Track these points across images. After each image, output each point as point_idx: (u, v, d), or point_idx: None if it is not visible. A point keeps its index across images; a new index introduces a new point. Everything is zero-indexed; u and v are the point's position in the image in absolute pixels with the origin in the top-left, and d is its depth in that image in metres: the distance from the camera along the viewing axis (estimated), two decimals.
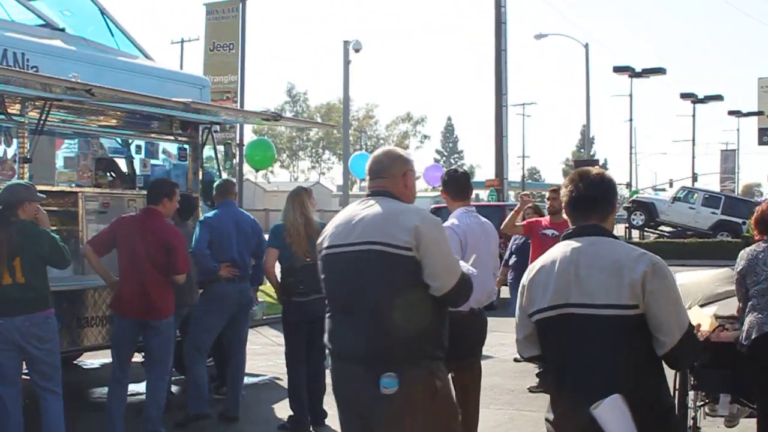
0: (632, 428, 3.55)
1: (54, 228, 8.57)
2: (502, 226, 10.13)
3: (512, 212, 10.26)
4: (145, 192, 9.66)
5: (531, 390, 9.88)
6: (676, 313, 3.73)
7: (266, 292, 17.50)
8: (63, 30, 9.97)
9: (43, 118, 8.15)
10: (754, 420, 6.58)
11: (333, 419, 8.40)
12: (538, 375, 9.95)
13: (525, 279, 3.98)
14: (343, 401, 4.35)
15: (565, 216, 4.10)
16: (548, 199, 10.36)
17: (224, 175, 10.93)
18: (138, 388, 8.91)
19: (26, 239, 6.70)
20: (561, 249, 3.90)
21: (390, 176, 4.47)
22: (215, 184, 9.10)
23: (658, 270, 3.72)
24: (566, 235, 3.95)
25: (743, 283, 6.51)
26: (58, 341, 6.92)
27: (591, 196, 3.93)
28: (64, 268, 7.07)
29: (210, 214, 8.74)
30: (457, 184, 6.64)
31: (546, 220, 10.29)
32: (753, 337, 6.26)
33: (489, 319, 6.94)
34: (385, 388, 4.06)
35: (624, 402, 3.56)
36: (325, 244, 4.45)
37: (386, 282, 4.17)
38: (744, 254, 6.55)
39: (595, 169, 4.04)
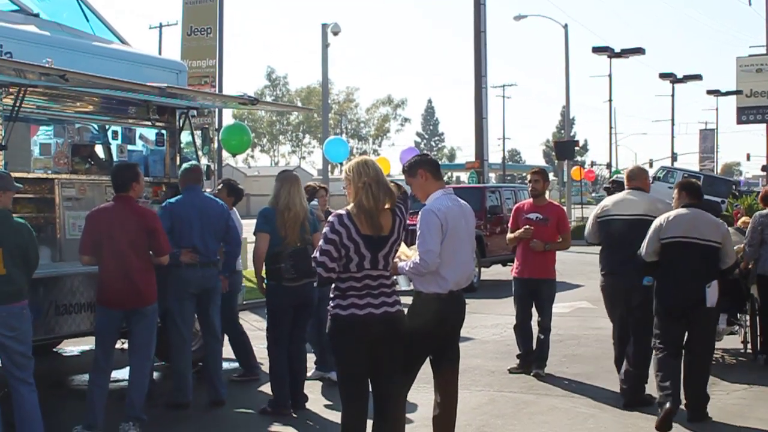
0: (716, 297, 7.80)
1: (31, 215, 8.54)
2: (508, 243, 10.34)
3: (512, 236, 10.03)
4: None
5: (511, 371, 9.91)
6: (733, 250, 8.19)
7: (247, 278, 17.50)
8: (37, 15, 9.85)
9: (17, 104, 8.06)
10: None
11: (313, 403, 8.47)
12: (518, 357, 9.99)
13: (662, 221, 7.93)
14: (615, 295, 8.57)
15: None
16: (530, 182, 10.18)
17: (203, 161, 10.87)
18: (118, 375, 8.89)
19: (6, 229, 6.66)
20: (686, 210, 7.96)
21: (640, 179, 8.89)
22: (181, 169, 9.05)
23: (728, 228, 8.27)
24: (685, 206, 8.00)
25: (760, 234, 10.11)
26: (30, 331, 6.89)
27: (696, 193, 8.15)
28: (35, 267, 7.02)
29: (173, 199, 8.70)
30: (436, 163, 6.63)
31: (528, 203, 10.18)
32: None
33: (469, 300, 6.96)
34: (647, 281, 8.25)
35: (717, 285, 7.79)
36: (608, 212, 8.63)
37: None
38: (761, 214, 10.26)
39: (693, 180, 8.87)
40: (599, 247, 8.83)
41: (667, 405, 7.50)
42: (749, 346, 10.87)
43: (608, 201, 8.79)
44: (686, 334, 7.97)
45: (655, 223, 7.98)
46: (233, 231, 8.81)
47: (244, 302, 14.34)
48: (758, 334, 10.61)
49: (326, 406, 8.48)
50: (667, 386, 7.65)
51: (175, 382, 8.55)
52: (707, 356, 8.14)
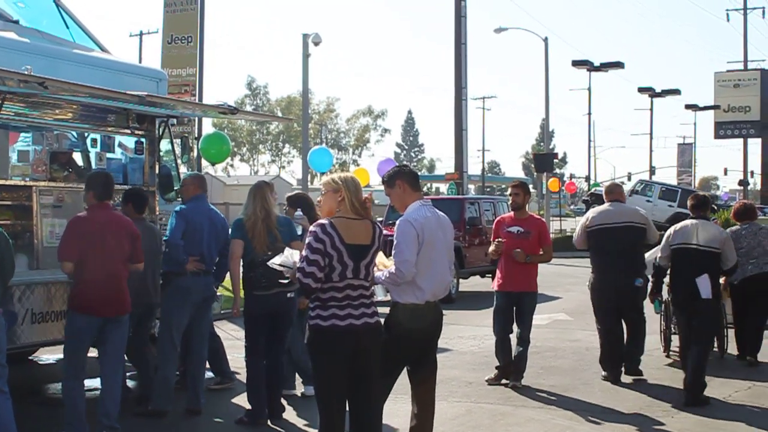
0: (710, 290, 9.05)
1: (8, 222, 8.49)
2: (490, 256, 10.30)
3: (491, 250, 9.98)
4: None
5: (489, 382, 9.92)
6: (733, 255, 9.55)
7: (224, 286, 17.42)
8: (17, 22, 9.81)
9: None
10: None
11: (291, 413, 8.44)
12: (497, 368, 10.00)
13: (671, 231, 9.55)
14: (604, 292, 10.09)
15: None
16: (510, 195, 10.19)
17: (182, 169, 10.86)
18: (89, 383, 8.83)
19: None
20: (690, 221, 9.49)
21: (618, 193, 10.62)
22: (186, 177, 9.09)
23: (728, 235, 9.76)
24: (694, 217, 9.53)
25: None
26: (4, 339, 6.83)
27: (701, 205, 9.71)
28: (10, 276, 6.96)
29: (185, 206, 8.70)
30: (415, 175, 6.66)
31: (509, 216, 10.19)
32: (740, 278, 11.01)
33: (448, 312, 6.99)
34: (638, 282, 10.04)
35: (709, 278, 9.08)
36: (596, 222, 10.18)
37: (636, 241, 10.17)
38: (733, 230, 11.16)
39: (701, 192, 11.52)
40: (579, 260, 9.69)
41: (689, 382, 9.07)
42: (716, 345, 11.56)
43: (594, 213, 10.50)
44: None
45: (666, 233, 9.68)
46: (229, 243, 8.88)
47: (222, 311, 14.31)
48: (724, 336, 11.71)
49: (303, 416, 8.46)
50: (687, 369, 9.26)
51: (158, 389, 8.49)
52: (706, 346, 9.42)
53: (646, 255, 10.99)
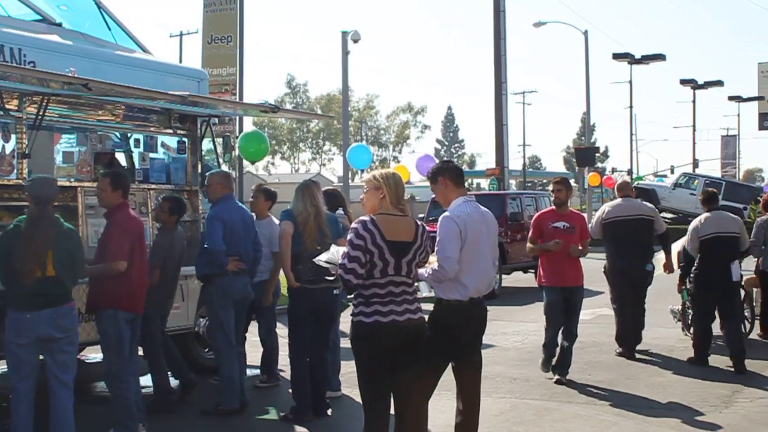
0: (739, 274, 10.96)
1: None
2: (529, 251, 10.59)
3: (536, 246, 9.98)
4: (145, 186, 9.71)
5: (556, 381, 9.80)
6: (747, 238, 11.15)
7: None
8: (60, 25, 9.95)
9: (41, 113, 8.15)
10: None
11: (335, 410, 8.44)
12: (547, 357, 9.92)
13: (697, 223, 10.80)
14: (618, 274, 11.36)
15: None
16: (554, 191, 10.10)
17: (224, 168, 10.92)
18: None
19: (57, 234, 6.79)
20: (711, 213, 10.79)
21: (629, 190, 11.81)
22: (210, 176, 9.08)
23: (742, 221, 11.09)
24: (709, 210, 10.85)
25: (764, 235, 12.08)
26: (77, 332, 6.99)
27: (711, 199, 11.12)
28: (80, 272, 7.08)
29: (219, 207, 8.65)
30: (458, 171, 6.60)
31: (550, 211, 10.13)
32: None
33: (491, 308, 6.95)
34: (649, 267, 11.33)
35: (738, 264, 10.99)
36: (612, 215, 11.38)
37: (646, 230, 11.41)
38: (765, 218, 12.21)
39: (710, 189, 11.87)
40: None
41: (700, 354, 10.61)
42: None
43: (609, 206, 11.74)
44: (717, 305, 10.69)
45: (691, 226, 10.91)
46: (258, 237, 8.98)
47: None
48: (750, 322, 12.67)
49: (347, 413, 8.48)
50: (702, 344, 10.71)
51: (225, 389, 8.55)
52: (739, 320, 11.25)
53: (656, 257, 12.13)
